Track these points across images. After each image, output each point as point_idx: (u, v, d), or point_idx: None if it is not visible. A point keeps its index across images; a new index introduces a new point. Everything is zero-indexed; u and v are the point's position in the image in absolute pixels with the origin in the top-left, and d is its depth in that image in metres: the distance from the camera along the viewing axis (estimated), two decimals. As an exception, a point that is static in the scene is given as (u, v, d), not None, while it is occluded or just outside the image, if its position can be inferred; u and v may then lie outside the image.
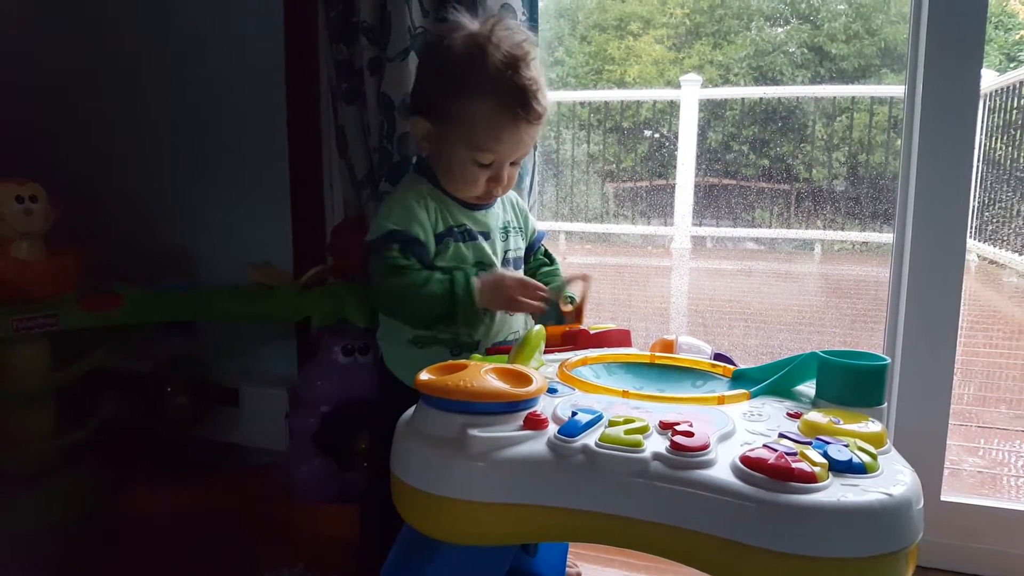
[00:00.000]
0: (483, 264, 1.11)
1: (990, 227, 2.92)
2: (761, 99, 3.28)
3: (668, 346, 1.04)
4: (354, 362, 1.44)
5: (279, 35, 1.58)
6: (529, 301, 1.06)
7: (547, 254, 1.28)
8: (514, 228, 1.19)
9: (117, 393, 1.70)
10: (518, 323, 1.17)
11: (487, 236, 1.14)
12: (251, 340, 1.79)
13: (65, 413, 1.52)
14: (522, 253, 1.21)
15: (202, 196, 1.80)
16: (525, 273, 1.20)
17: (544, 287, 1.08)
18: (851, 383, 0.83)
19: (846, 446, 0.71)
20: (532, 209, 1.37)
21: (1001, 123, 2.96)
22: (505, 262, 1.16)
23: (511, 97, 1.03)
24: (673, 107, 3.34)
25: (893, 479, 0.68)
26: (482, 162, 1.07)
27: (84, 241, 1.49)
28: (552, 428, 0.75)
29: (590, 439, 0.72)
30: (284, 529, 1.43)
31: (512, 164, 1.10)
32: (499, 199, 1.18)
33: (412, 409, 0.83)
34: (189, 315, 1.59)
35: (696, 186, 3.23)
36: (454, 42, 1.06)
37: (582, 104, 3.52)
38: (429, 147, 1.12)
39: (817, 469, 0.66)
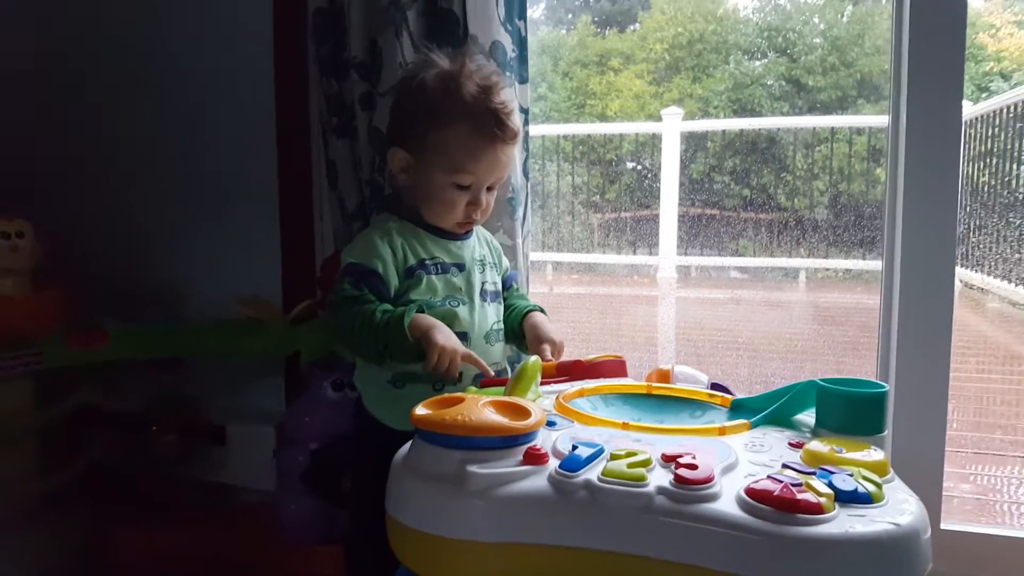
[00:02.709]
0: (454, 297, 1.13)
1: (976, 253, 2.96)
2: (742, 131, 3.33)
3: (664, 376, 1.03)
4: (344, 397, 1.42)
5: (269, 69, 1.58)
6: (443, 369, 1.01)
7: (518, 293, 1.30)
8: (489, 263, 1.21)
9: (103, 432, 1.66)
10: (497, 355, 1.17)
11: (462, 268, 1.16)
12: (239, 376, 1.76)
13: (50, 453, 1.48)
14: (499, 287, 1.22)
15: (191, 230, 1.78)
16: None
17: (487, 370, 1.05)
18: (851, 411, 0.83)
19: (850, 475, 0.70)
20: (525, 240, 1.37)
21: (979, 151, 3.01)
22: (483, 294, 1.17)
23: (487, 120, 1.08)
24: (655, 140, 3.38)
25: (899, 508, 0.68)
26: (461, 184, 1.11)
27: (71, 277, 1.48)
28: (553, 463, 0.74)
29: (592, 474, 0.71)
30: (273, 571, 1.40)
31: (489, 190, 1.14)
32: (474, 234, 1.21)
33: (407, 446, 0.82)
34: (176, 351, 1.57)
35: (680, 216, 3.26)
36: (428, 77, 1.13)
37: (565, 137, 3.56)
38: (408, 178, 1.16)
39: (823, 500, 0.65)
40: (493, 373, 1.07)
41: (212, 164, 1.74)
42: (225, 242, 1.74)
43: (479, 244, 1.22)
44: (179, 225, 1.79)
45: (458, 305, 1.13)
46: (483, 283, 1.18)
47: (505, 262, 1.28)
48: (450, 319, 1.10)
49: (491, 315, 1.17)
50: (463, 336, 1.11)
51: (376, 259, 1.10)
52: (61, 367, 1.44)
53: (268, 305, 1.52)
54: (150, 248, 1.82)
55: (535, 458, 0.75)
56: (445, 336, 1.02)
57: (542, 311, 1.23)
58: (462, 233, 1.18)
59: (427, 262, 1.13)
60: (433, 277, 1.12)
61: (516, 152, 1.16)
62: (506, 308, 1.24)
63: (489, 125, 1.08)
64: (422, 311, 1.06)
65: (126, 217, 1.83)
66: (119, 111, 1.82)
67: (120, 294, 1.72)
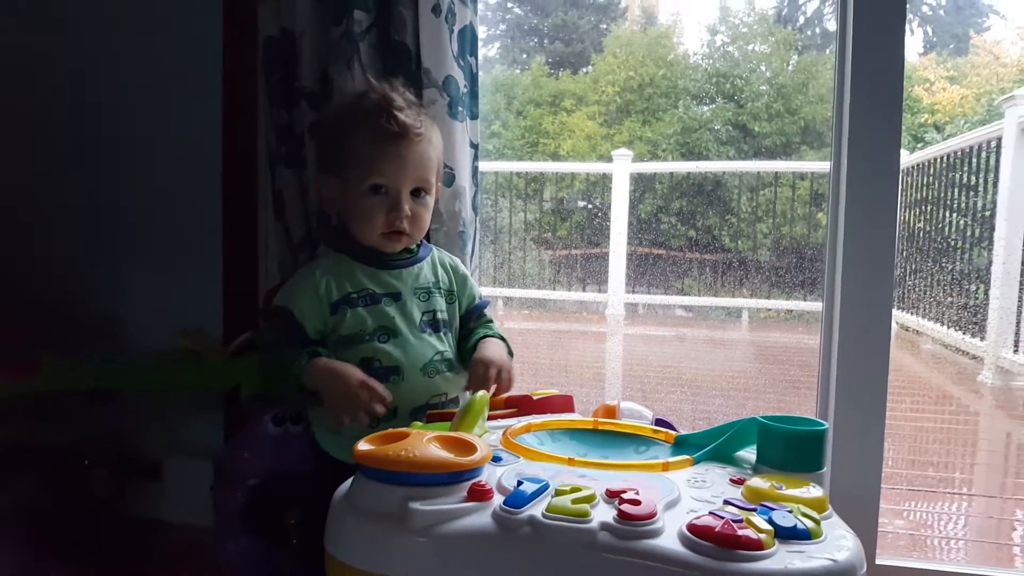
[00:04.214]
0: (386, 328, 1.12)
1: (912, 296, 3.07)
2: (689, 174, 3.41)
3: (610, 411, 1.04)
4: (285, 432, 1.38)
5: (217, 97, 1.56)
6: (365, 406, 1.02)
7: (488, 322, 1.26)
8: (441, 290, 1.19)
9: (32, 468, 1.58)
10: (440, 386, 1.15)
11: (397, 297, 1.14)
12: (176, 409, 1.71)
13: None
14: (447, 315, 1.19)
15: (133, 260, 1.73)
16: (459, 338, 1.19)
17: (386, 396, 1.04)
18: (791, 448, 0.84)
19: (790, 512, 0.71)
20: (473, 275, 1.36)
21: (915, 199, 3.14)
22: (423, 325, 1.15)
23: (380, 116, 1.11)
24: (606, 180, 3.44)
25: (837, 544, 0.69)
26: (373, 184, 1.11)
27: (5, 306, 1.42)
28: (497, 499, 0.74)
29: (536, 509, 0.71)
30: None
31: (414, 197, 1.13)
32: (428, 260, 1.19)
33: (348, 482, 0.80)
34: (112, 384, 1.51)
35: (628, 255, 3.30)
36: (335, 101, 1.21)
37: (518, 175, 3.60)
38: (336, 204, 1.18)
39: (763, 536, 0.66)
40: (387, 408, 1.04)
41: (154, 192, 1.70)
42: (168, 272, 1.70)
43: (431, 270, 1.19)
44: (121, 255, 1.74)
45: (388, 339, 1.11)
46: (424, 312, 1.16)
47: (472, 290, 1.25)
48: (381, 354, 1.10)
49: (432, 346, 1.14)
50: (394, 370, 1.10)
51: (298, 302, 1.11)
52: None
53: (209, 339, 1.49)
54: (90, 278, 1.76)
55: (479, 494, 0.74)
56: (338, 398, 1.03)
57: (503, 339, 1.19)
58: (396, 252, 1.16)
59: (353, 295, 1.12)
60: (360, 310, 1.11)
61: (432, 153, 1.15)
62: (467, 337, 1.20)
63: (382, 120, 1.10)
64: (318, 355, 1.07)
65: (66, 247, 1.78)
66: (59, 139, 1.77)
67: (60, 326, 1.66)
